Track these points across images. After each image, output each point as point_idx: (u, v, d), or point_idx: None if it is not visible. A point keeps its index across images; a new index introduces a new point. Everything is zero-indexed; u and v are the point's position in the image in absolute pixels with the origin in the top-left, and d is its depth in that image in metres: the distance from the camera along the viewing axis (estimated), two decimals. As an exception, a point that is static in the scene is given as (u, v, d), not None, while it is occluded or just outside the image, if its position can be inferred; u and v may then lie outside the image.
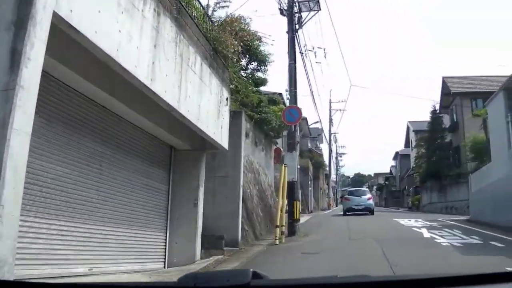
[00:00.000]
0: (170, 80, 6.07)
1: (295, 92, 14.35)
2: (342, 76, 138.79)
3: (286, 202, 12.46)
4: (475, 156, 20.58)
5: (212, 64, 8.25)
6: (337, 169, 67.18)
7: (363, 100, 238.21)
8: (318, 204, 39.44)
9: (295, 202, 13.41)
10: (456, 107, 29.98)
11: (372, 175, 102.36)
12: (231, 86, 12.78)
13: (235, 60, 10.58)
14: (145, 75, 5.25)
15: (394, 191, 57.49)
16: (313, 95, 26.49)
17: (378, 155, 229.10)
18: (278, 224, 11.55)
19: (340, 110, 44.88)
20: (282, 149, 19.71)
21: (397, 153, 57.24)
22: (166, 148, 8.40)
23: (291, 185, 13.54)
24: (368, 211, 22.55)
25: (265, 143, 17.50)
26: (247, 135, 14.74)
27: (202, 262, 7.83)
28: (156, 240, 7.83)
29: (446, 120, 31.61)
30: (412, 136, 45.94)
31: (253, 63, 19.51)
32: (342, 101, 46.03)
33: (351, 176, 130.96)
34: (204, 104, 7.61)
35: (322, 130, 44.67)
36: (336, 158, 64.30)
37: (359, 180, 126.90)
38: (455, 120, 30.13)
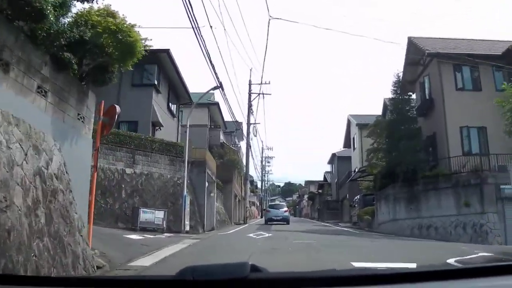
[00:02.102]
0: None
1: None
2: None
3: None
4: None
5: None
6: (263, 174, 57.13)
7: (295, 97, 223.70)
8: (230, 217, 28.52)
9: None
10: (429, 78, 20.43)
11: (303, 184, 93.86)
12: None
13: None
14: None
15: (330, 201, 47.56)
16: (196, 23, 12.37)
17: (313, 163, 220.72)
18: None
19: (262, 94, 34.28)
20: (118, 108, 8.85)
21: (333, 155, 47.85)
22: None
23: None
24: (285, 221, 26.97)
25: (63, 83, 6.97)
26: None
27: None
28: None
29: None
30: (355, 132, 36.72)
31: None
32: (267, 83, 34.88)
33: (281, 185, 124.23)
34: None
35: (238, 124, 34.18)
36: (262, 161, 54.22)
37: (289, 189, 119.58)
38: (427, 97, 20.59)
